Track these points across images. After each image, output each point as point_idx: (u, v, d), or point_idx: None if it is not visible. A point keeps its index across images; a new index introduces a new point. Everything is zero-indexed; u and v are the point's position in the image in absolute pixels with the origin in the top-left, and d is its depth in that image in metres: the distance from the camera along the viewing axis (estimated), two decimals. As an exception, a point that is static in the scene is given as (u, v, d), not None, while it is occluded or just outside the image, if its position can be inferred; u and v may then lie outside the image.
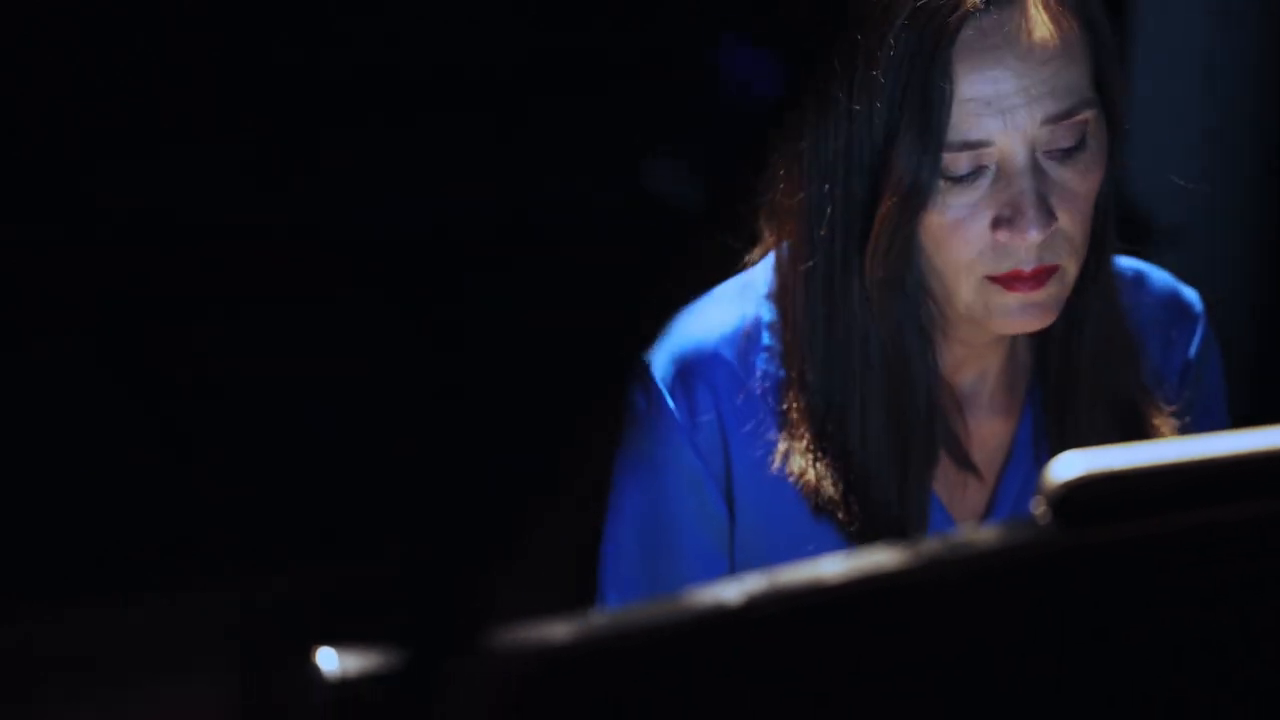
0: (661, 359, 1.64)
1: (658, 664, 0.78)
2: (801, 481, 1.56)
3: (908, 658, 0.81)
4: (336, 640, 0.73)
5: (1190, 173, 3.35)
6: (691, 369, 1.63)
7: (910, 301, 1.52)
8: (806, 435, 1.57)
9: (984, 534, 0.81)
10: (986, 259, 1.48)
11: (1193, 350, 1.68)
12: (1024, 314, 1.49)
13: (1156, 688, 0.84)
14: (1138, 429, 1.61)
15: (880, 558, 0.80)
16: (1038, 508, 0.82)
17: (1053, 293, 1.49)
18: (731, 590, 0.78)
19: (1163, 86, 3.34)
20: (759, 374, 1.61)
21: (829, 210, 1.53)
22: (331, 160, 4.02)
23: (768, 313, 1.61)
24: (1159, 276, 1.70)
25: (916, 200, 1.47)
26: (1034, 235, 1.45)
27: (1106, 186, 1.53)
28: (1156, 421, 1.62)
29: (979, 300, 1.50)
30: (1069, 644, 0.83)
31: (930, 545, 0.80)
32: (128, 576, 3.90)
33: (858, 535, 1.58)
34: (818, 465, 1.57)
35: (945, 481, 1.60)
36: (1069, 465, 0.82)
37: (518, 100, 4.03)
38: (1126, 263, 1.67)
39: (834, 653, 0.80)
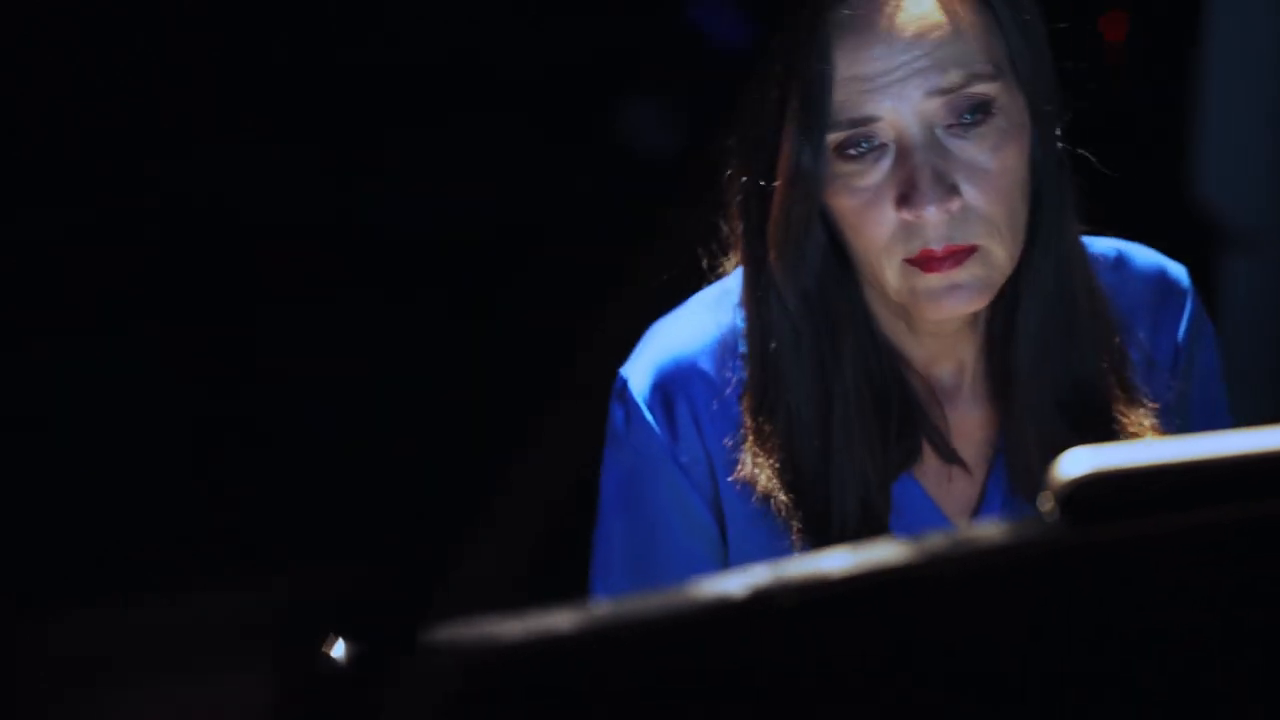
0: (639, 374, 1.63)
1: (657, 656, 0.77)
2: (750, 483, 1.55)
3: (911, 653, 0.80)
4: (348, 633, 0.72)
5: (1262, 176, 3.33)
6: (671, 383, 1.62)
7: (813, 295, 1.52)
8: (750, 435, 1.56)
9: (990, 530, 0.81)
10: (899, 241, 1.46)
11: (1182, 330, 1.64)
12: (949, 296, 1.46)
13: (1162, 686, 0.83)
14: (1098, 419, 1.58)
15: (885, 552, 0.79)
16: (1045, 504, 0.81)
17: (976, 273, 1.46)
18: (735, 583, 0.78)
19: (1236, 89, 3.32)
20: (734, 383, 1.59)
21: (751, 203, 1.53)
22: (335, 161, 4.00)
23: (742, 320, 1.60)
24: (1143, 256, 1.66)
25: (804, 183, 1.46)
26: (932, 212, 1.43)
27: (1040, 164, 1.50)
28: (1125, 411, 1.58)
29: (904, 285, 1.47)
30: (1074, 641, 0.82)
31: (936, 541, 0.80)
32: (136, 576, 3.89)
33: (803, 537, 1.56)
34: (758, 462, 1.56)
35: (931, 475, 1.58)
36: (1077, 462, 0.81)
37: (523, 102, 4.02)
38: (1107, 243, 1.64)
39: (837, 647, 0.79)
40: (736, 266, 1.62)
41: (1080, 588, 0.82)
